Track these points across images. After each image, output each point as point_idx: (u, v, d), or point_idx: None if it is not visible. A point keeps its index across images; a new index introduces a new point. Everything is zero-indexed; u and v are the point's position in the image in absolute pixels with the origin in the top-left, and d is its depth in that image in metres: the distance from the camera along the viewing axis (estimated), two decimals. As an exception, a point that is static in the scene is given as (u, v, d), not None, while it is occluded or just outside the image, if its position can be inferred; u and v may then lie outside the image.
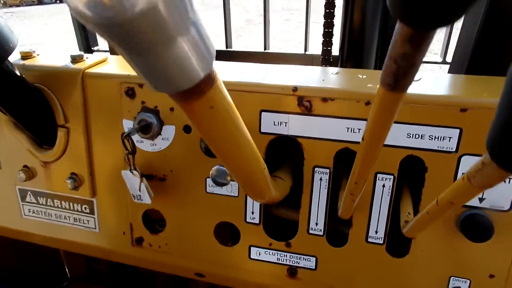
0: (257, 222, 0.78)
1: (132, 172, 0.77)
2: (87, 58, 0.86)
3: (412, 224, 0.56)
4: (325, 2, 1.10)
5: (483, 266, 0.67)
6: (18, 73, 0.77)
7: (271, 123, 0.71)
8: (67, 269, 1.87)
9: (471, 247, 0.67)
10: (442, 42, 1.26)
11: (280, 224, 0.81)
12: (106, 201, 0.89)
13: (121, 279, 1.77)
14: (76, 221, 0.93)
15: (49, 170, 0.90)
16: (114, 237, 0.91)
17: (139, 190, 0.78)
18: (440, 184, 0.65)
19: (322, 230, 0.74)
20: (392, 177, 0.67)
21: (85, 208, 0.91)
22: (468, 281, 0.68)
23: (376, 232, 0.71)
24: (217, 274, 0.86)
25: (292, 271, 0.78)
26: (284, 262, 0.79)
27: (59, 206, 0.93)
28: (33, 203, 0.96)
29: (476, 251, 0.67)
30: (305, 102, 0.68)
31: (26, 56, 0.87)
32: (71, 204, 0.92)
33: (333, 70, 0.79)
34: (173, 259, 0.87)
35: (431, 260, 0.70)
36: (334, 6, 1.10)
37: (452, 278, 0.69)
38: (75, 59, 0.84)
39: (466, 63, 0.80)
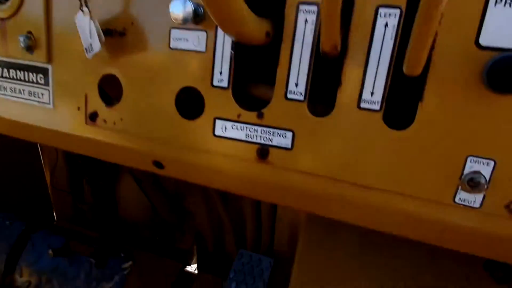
0: (225, 85, 0.63)
1: (82, 11, 0.64)
2: None
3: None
4: None
5: (515, 140, 0.49)
6: None
7: None
8: (54, 212, 1.79)
9: (499, 111, 0.49)
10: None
11: (253, 99, 0.66)
12: (62, 69, 0.77)
13: (104, 222, 1.66)
14: (31, 95, 0.82)
15: (4, 28, 0.79)
16: (68, 114, 0.78)
17: (90, 35, 0.65)
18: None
19: (303, 94, 0.58)
20: (398, 11, 0.51)
21: (40, 78, 0.79)
22: (492, 163, 0.50)
23: (372, 94, 0.54)
24: (176, 160, 0.71)
25: (263, 151, 0.62)
26: (254, 140, 0.63)
27: (14, 77, 0.82)
28: (-11, 74, 0.85)
29: (506, 117, 0.49)
30: None
31: None
32: (26, 74, 0.81)
33: None
34: (128, 140, 0.73)
35: (441, 133, 0.52)
36: None
37: (469, 158, 0.51)
38: None
39: None
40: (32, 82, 0.81)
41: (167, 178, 1.52)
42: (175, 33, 0.64)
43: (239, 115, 0.63)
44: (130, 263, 0.99)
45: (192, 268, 1.73)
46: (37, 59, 0.78)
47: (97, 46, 0.65)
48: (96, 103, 0.74)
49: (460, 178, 0.52)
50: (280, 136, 0.61)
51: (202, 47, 0.63)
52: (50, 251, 0.98)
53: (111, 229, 1.61)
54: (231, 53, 0.61)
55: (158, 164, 0.74)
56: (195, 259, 1.75)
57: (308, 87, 0.58)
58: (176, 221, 1.62)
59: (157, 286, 1.42)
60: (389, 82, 0.53)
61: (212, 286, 1.44)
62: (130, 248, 1.12)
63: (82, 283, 0.99)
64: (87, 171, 1.25)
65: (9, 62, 0.82)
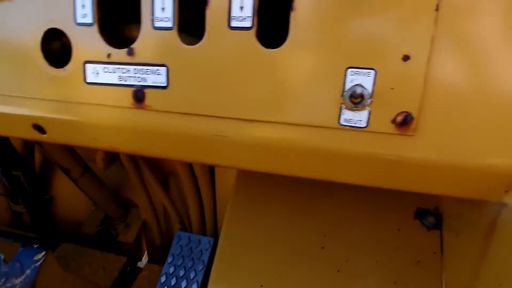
0: (90, 21, 0.55)
1: None
2: None
3: None
4: None
5: (393, 45, 0.43)
6: None
7: None
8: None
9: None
10: None
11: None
12: None
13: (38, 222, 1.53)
14: None
15: None
16: None
17: None
18: None
19: (172, 19, 0.51)
20: None
21: None
22: (373, 72, 0.45)
23: (242, 8, 0.48)
24: (55, 120, 0.62)
25: (139, 94, 0.55)
26: (128, 82, 0.55)
27: None
28: None
29: (383, 20, 0.43)
30: None
31: None
32: None
33: None
34: (3, 104, 0.64)
35: (317, 46, 0.46)
36: None
37: (349, 71, 0.45)
38: None
39: None
40: None
41: (105, 173, 1.43)
42: (30, -34, 0.56)
43: (109, 55, 0.55)
44: (43, 253, 0.89)
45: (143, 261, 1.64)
46: None
47: None
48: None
49: (342, 95, 0.46)
50: (154, 73, 0.53)
51: (60, -20, 0.55)
52: (-49, 249, 0.87)
53: (47, 230, 1.49)
54: (90, -18, 0.54)
55: (39, 128, 0.65)
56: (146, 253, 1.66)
57: (176, 11, 0.51)
58: (118, 214, 1.52)
59: (99, 282, 1.32)
60: None
61: (159, 276, 1.35)
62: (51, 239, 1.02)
63: (-11, 281, 0.88)
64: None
65: None
